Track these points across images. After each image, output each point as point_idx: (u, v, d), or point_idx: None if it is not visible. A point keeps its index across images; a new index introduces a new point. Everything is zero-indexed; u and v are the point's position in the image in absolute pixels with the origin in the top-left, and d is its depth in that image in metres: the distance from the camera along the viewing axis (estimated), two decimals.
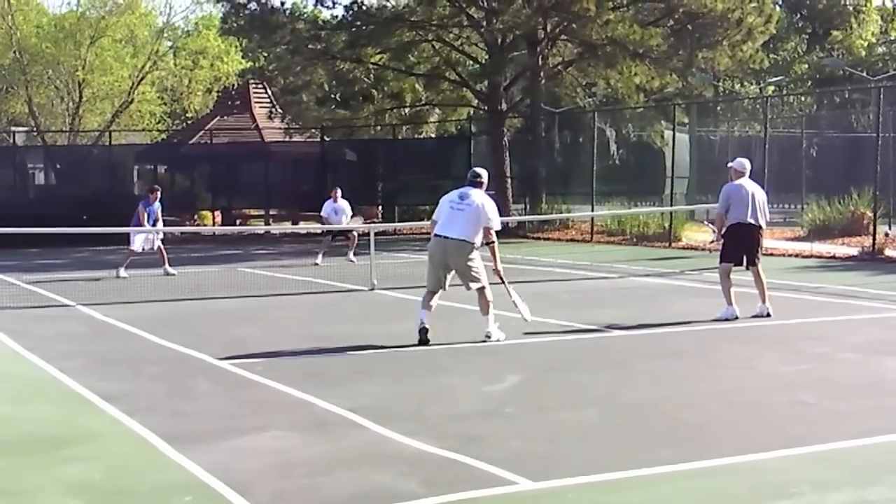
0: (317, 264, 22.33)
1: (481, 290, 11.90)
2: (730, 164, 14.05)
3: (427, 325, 11.71)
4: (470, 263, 11.81)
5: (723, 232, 13.61)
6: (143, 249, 20.64)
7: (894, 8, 57.15)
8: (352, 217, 24.27)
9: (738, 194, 13.44)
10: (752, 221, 13.43)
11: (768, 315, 13.28)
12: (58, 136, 40.50)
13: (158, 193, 20.93)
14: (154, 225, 20.69)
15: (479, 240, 11.91)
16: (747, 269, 13.59)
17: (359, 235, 24.04)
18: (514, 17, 30.61)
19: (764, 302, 13.44)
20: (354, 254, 23.27)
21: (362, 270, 18.52)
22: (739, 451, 7.14)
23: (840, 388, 9.39)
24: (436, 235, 11.99)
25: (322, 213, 23.93)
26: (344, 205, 23.59)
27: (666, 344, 11.94)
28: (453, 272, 11.99)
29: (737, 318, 13.13)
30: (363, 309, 15.43)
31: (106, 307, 15.50)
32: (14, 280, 19.81)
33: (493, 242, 11.99)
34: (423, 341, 11.66)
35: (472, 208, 11.84)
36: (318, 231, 26.76)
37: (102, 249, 26.26)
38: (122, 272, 20.07)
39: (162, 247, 20.74)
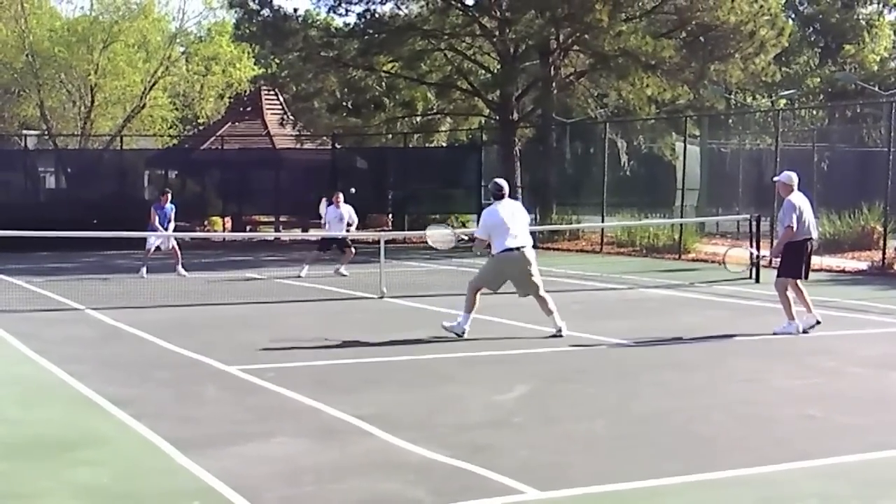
0: (300, 277, 20.74)
1: (538, 294, 12.89)
2: (777, 179, 13.79)
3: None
4: (532, 268, 12.83)
5: (783, 246, 13.34)
6: (160, 247, 21.64)
7: None
8: (349, 226, 21.68)
9: (802, 209, 13.25)
10: (814, 235, 13.53)
11: (818, 322, 13.17)
12: (69, 140, 40.58)
13: (169, 196, 22.17)
14: (167, 225, 21.72)
15: None
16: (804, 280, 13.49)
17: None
18: (527, 27, 30.64)
19: (811, 311, 13.28)
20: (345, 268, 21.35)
21: (372, 278, 18.51)
22: (747, 464, 7.14)
23: (848, 402, 9.37)
24: (509, 249, 12.72)
25: (323, 216, 22.07)
26: (347, 211, 21.62)
27: (674, 356, 11.94)
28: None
29: (801, 331, 13.04)
30: (372, 317, 15.43)
31: (115, 311, 15.53)
32: (24, 283, 19.85)
33: None
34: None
35: (523, 217, 13.09)
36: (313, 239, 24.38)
37: (113, 254, 26.34)
38: (144, 272, 21.01)
39: (177, 247, 21.64)
